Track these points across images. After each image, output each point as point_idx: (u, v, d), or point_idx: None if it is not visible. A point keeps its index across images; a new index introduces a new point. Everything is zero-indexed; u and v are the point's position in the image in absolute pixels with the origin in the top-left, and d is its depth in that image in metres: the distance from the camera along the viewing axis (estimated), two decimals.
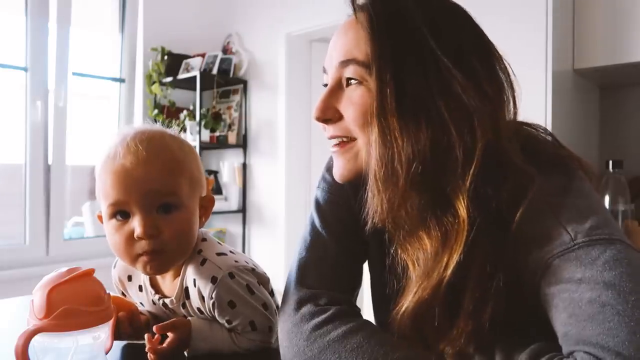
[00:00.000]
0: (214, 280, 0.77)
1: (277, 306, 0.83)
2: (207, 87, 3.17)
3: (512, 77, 0.65)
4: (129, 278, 0.89)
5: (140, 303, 0.89)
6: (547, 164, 0.62)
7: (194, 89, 3.00)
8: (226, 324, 0.80)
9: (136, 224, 0.73)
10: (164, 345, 0.77)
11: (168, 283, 0.84)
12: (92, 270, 0.71)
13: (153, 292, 0.85)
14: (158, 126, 0.81)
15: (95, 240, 2.96)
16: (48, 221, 2.71)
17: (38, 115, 2.67)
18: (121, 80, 3.10)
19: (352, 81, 0.64)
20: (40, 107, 2.68)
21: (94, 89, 3.17)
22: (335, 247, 0.74)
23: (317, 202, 0.79)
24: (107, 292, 0.73)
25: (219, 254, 0.80)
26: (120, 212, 0.74)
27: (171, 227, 0.74)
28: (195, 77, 2.95)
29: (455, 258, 0.57)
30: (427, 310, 0.59)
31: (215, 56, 3.04)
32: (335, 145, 0.68)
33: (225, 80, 3.13)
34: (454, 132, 0.58)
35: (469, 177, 0.58)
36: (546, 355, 0.54)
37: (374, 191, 0.61)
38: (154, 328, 0.79)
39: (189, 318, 0.83)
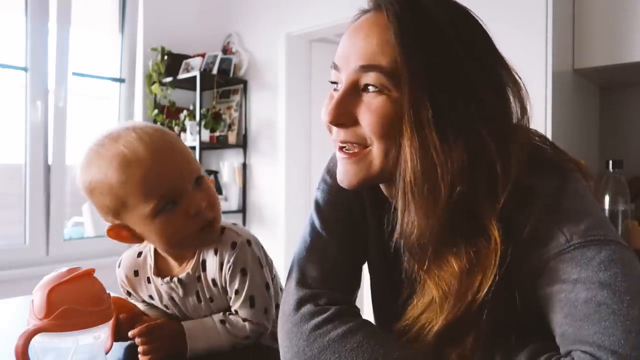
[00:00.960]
0: (233, 245, 0.83)
1: (281, 288, 0.88)
2: (207, 87, 3.17)
3: (520, 83, 0.63)
4: (136, 273, 0.90)
5: (150, 296, 0.91)
6: (543, 167, 0.62)
7: (194, 89, 3.00)
8: (233, 296, 0.84)
9: (189, 203, 0.78)
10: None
11: (176, 265, 0.88)
12: (92, 270, 0.71)
13: (161, 278, 0.87)
14: (128, 123, 0.82)
15: (95, 240, 2.96)
16: (48, 221, 2.71)
17: (38, 115, 2.67)
18: (121, 80, 3.10)
19: (371, 88, 0.61)
20: (40, 107, 2.68)
21: (94, 89, 3.17)
22: (335, 248, 0.74)
23: (317, 204, 0.79)
24: (107, 292, 0.73)
25: (234, 224, 0.88)
26: (168, 203, 0.77)
27: (207, 194, 0.81)
28: (195, 77, 2.95)
29: (490, 279, 0.56)
30: (455, 330, 0.58)
31: (215, 56, 3.04)
32: (346, 152, 0.65)
33: (225, 80, 3.12)
34: (494, 151, 0.57)
35: (502, 199, 0.57)
36: (544, 355, 0.54)
37: (410, 207, 0.59)
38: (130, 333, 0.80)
39: (184, 324, 0.84)
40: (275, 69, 3.04)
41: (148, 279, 0.89)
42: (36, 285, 0.69)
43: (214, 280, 0.85)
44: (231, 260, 0.82)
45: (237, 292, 0.83)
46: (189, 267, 0.85)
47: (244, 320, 0.84)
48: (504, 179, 0.57)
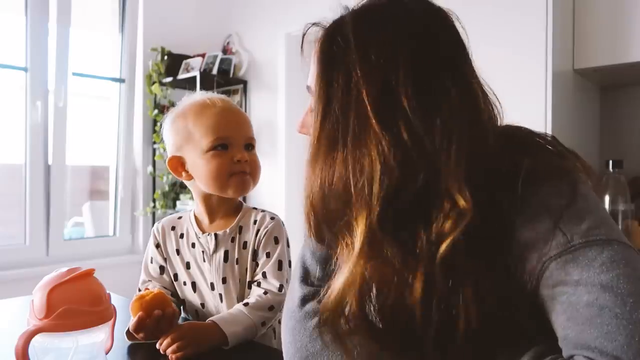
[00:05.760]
0: (272, 219, 1.04)
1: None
2: (207, 87, 3.16)
3: (488, 91, 0.64)
4: (172, 228, 1.08)
5: (177, 250, 1.06)
6: (543, 168, 0.61)
7: (194, 89, 3.00)
8: (263, 259, 1.00)
9: (236, 153, 1.00)
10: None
11: (216, 226, 1.05)
12: (92, 270, 0.71)
13: (200, 231, 1.04)
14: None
15: (95, 240, 2.96)
16: (48, 221, 2.71)
17: (38, 116, 2.67)
18: (121, 81, 3.09)
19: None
20: (40, 107, 2.68)
21: (94, 89, 3.17)
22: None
23: None
24: (107, 292, 0.73)
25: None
26: (222, 145, 0.99)
27: (253, 159, 1.04)
28: (195, 77, 2.95)
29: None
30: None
31: (215, 56, 3.04)
32: None
33: (225, 81, 3.12)
34: (351, 172, 0.63)
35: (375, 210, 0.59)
36: (548, 357, 0.54)
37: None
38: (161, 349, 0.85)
39: (210, 318, 0.91)
40: (275, 69, 3.04)
41: (182, 234, 1.06)
42: (36, 285, 0.69)
43: (245, 243, 1.02)
44: (269, 227, 1.02)
45: (268, 255, 1.00)
46: (226, 227, 1.03)
47: (265, 292, 0.96)
48: (369, 197, 0.60)
